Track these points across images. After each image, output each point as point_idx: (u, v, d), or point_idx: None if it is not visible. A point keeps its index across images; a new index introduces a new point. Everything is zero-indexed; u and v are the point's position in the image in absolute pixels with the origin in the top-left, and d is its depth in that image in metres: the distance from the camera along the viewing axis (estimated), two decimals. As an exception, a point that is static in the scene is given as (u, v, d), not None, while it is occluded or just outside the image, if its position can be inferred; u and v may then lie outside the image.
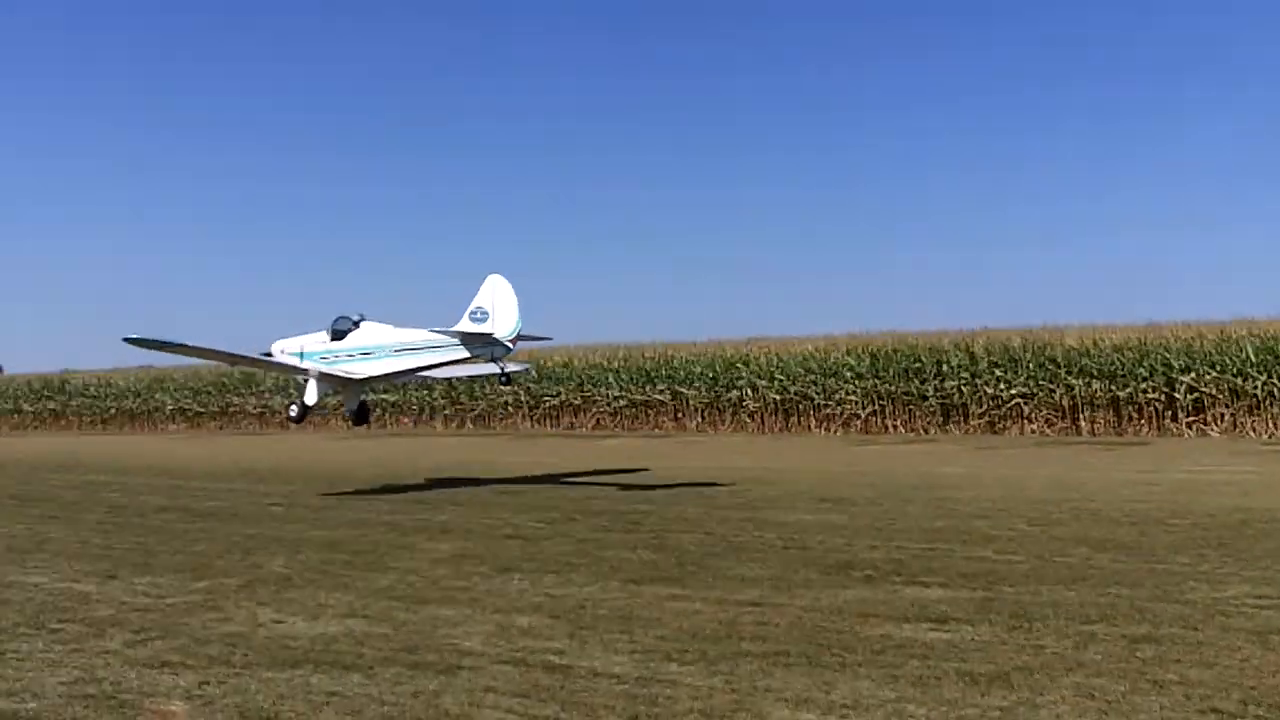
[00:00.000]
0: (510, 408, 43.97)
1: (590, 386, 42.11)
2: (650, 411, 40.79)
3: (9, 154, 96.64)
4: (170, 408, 53.71)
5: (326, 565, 12.57)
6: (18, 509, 18.94)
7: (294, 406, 23.31)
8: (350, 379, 22.82)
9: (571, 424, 42.43)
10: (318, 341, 22.80)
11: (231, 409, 51.71)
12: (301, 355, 22.73)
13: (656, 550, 13.07)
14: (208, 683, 7.78)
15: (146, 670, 8.15)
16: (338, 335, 22.64)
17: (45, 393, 59.83)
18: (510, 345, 21.09)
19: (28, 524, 16.80)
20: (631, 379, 41.26)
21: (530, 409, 43.47)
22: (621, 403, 41.23)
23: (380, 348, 22.57)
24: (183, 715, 7.14)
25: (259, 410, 50.40)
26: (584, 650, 8.48)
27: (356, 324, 22.71)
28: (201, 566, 12.60)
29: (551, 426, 42.65)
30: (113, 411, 56.12)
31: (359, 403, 24.22)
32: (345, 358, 22.58)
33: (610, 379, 41.73)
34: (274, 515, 17.30)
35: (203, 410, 52.65)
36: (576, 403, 42.41)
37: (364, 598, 10.67)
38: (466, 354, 21.69)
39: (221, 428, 50.88)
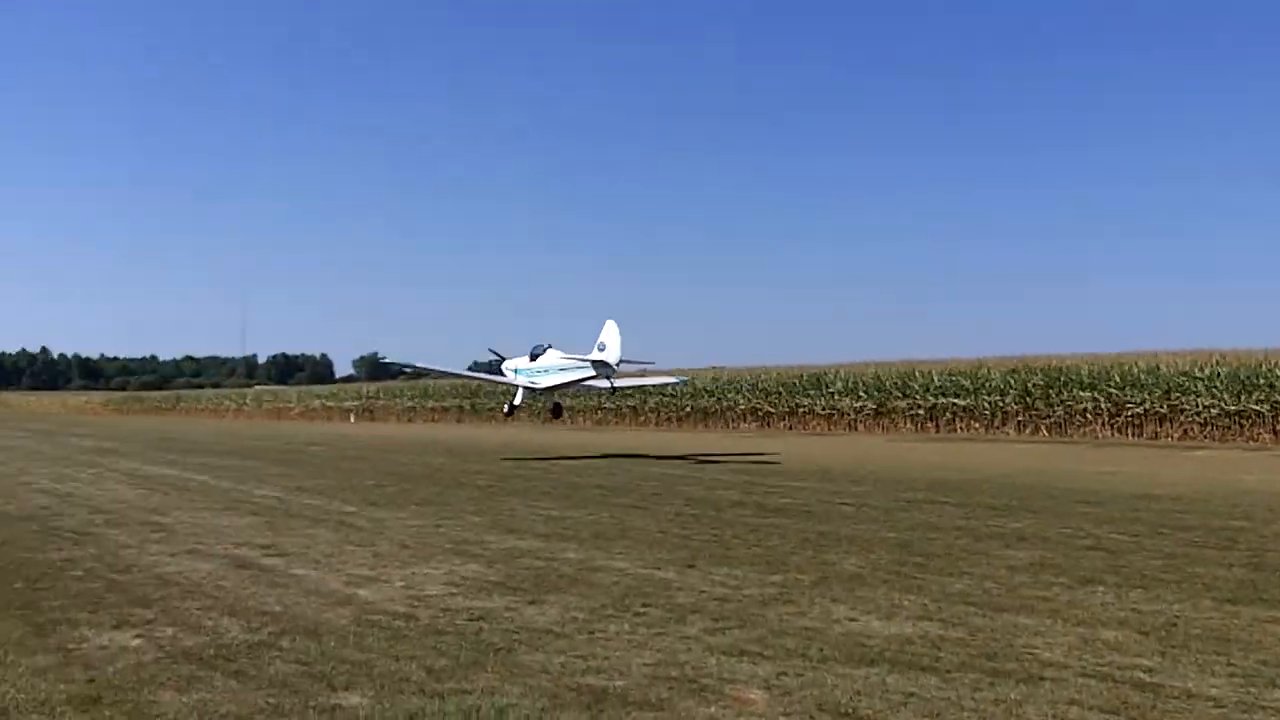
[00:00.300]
0: (1089, 415, 41.99)
1: (1178, 395, 39.45)
2: (1245, 423, 37.52)
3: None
4: (742, 407, 55.82)
5: (899, 566, 12.20)
6: (604, 498, 19.95)
7: (506, 406, 36.05)
8: (534, 388, 34.38)
9: (1155, 433, 39.86)
10: (522, 362, 34.48)
11: (800, 409, 53.03)
12: (516, 371, 34.59)
13: (1254, 569, 11.73)
14: (785, 674, 7.67)
15: (726, 657, 8.12)
16: (533, 357, 34.15)
17: (625, 390, 64.43)
18: (615, 367, 32.35)
19: (612, 512, 17.60)
20: (1225, 388, 38.19)
21: (1111, 416, 41.31)
22: (1213, 412, 38.20)
23: (551, 367, 33.82)
24: (761, 704, 7.04)
25: (827, 411, 51.37)
26: (1176, 669, 7.75)
27: (544, 349, 33.95)
28: (776, 561, 12.58)
29: (1133, 436, 40.27)
30: (688, 410, 59.03)
31: (554, 404, 36.55)
32: (536, 373, 34.09)
33: (1200, 387, 38.91)
34: (844, 514, 17.13)
35: (773, 410, 54.37)
36: (1162, 411, 39.85)
37: (937, 600, 10.23)
38: (594, 372, 32.74)
39: (790, 428, 52.33)
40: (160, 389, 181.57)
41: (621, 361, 32.20)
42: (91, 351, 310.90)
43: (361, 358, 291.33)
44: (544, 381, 33.95)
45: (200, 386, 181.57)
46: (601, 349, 32.28)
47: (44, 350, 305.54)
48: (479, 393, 75.62)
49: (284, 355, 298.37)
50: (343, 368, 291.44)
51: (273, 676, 7.52)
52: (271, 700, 6.95)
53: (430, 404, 79.84)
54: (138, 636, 8.72)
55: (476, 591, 10.79)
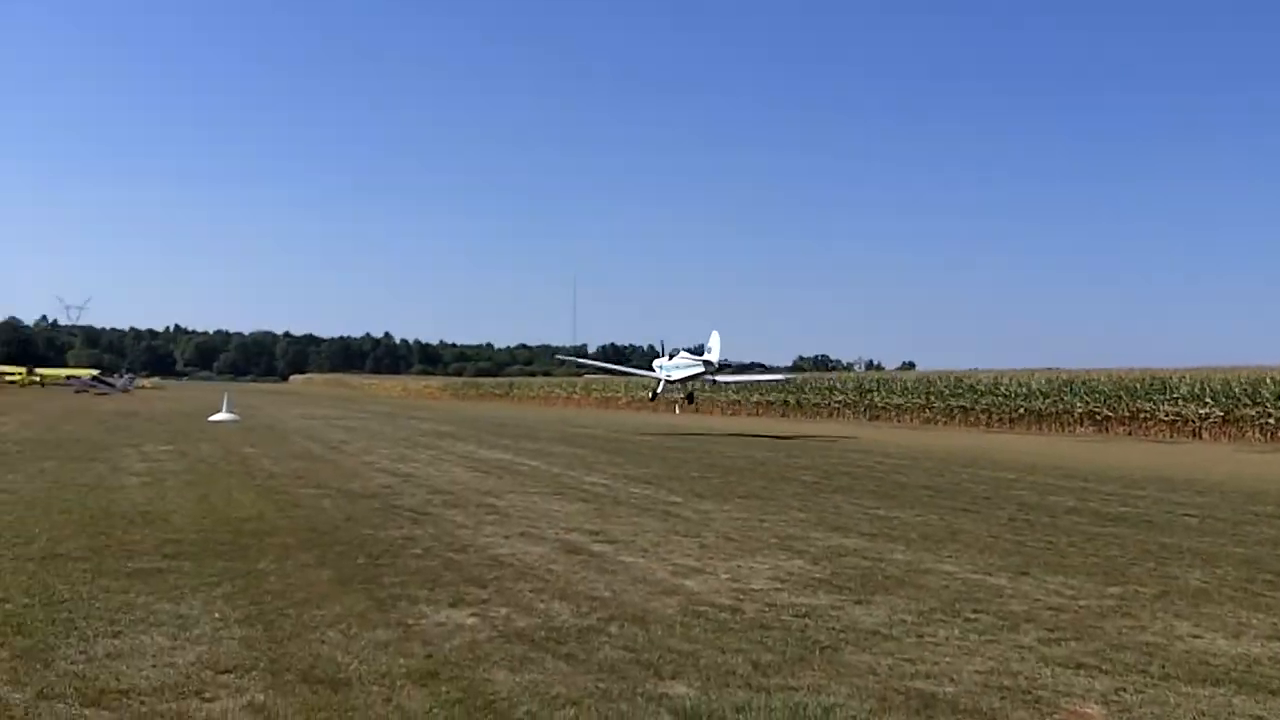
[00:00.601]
0: None
1: None
2: None
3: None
4: (1079, 410, 53.55)
5: (1246, 583, 11.43)
6: (931, 500, 19.52)
7: (650, 393, 53.02)
8: (669, 380, 48.07)
9: None
10: (665, 361, 48.17)
11: (1141, 415, 50.47)
12: (660, 368, 48.38)
13: None
14: (1124, 690, 7.30)
15: (1061, 669, 7.79)
16: (670, 356, 48.08)
17: (955, 390, 63.13)
18: (717, 366, 46.42)
19: (940, 515, 17.19)
20: None
21: None
22: None
23: (681, 365, 47.34)
24: (1099, 719, 6.68)
25: (1169, 417, 48.73)
26: None
27: (678, 352, 47.99)
28: (1114, 572, 11.99)
29: None
30: (1021, 412, 57.20)
31: (688, 393, 51.15)
32: (671, 369, 47.69)
33: None
34: (1188, 526, 16.18)
35: (1111, 414, 51.89)
36: None
37: (1290, 621, 9.50)
38: (703, 369, 46.44)
39: (1130, 433, 49.90)
40: (494, 375, 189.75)
41: (724, 363, 47.63)
42: (431, 338, 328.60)
43: (688, 350, 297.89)
44: (675, 375, 48.03)
45: (532, 374, 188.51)
46: (706, 352, 46.77)
47: (387, 336, 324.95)
48: (804, 388, 75.75)
49: (613, 345, 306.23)
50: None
51: (601, 661, 7.64)
52: (601, 685, 7.07)
53: (755, 398, 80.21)
54: (473, 615, 9.02)
55: (802, 588, 10.71)
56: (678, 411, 67.05)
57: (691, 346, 48.14)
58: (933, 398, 64.74)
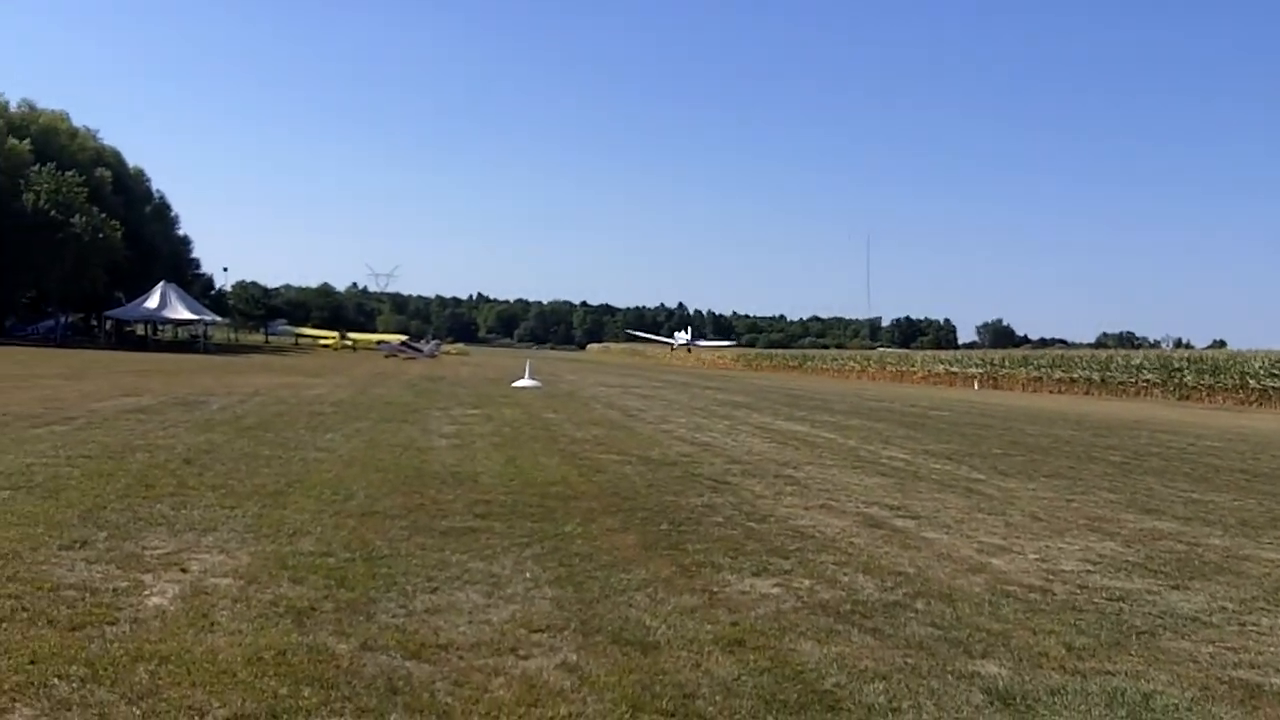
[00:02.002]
0: None
1: None
2: None
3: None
4: None
5: None
6: (1248, 485, 18.58)
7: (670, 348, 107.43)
8: (677, 346, 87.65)
9: None
10: (680, 334, 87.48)
11: None
12: (675, 338, 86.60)
13: None
14: None
15: None
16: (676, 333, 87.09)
17: (1273, 370, 59.62)
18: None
19: (1259, 500, 16.36)
20: None
21: None
22: None
23: (680, 337, 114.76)
24: None
25: None
26: None
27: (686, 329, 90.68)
28: None
29: None
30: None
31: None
32: (682, 339, 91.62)
33: None
34: None
35: None
36: None
37: None
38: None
39: None
40: (786, 348, 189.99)
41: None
42: (724, 309, 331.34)
43: (985, 324, 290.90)
44: (678, 343, 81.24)
45: (824, 347, 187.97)
46: (688, 332, 79.57)
47: (680, 306, 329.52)
48: (1109, 365, 72.85)
49: (907, 319, 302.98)
50: (965, 334, 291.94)
51: (909, 637, 7.55)
52: (909, 660, 6.99)
53: (1058, 374, 77.87)
54: (776, 585, 9.03)
55: (1115, 571, 10.32)
56: (976, 387, 66.95)
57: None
58: (1248, 377, 61.14)
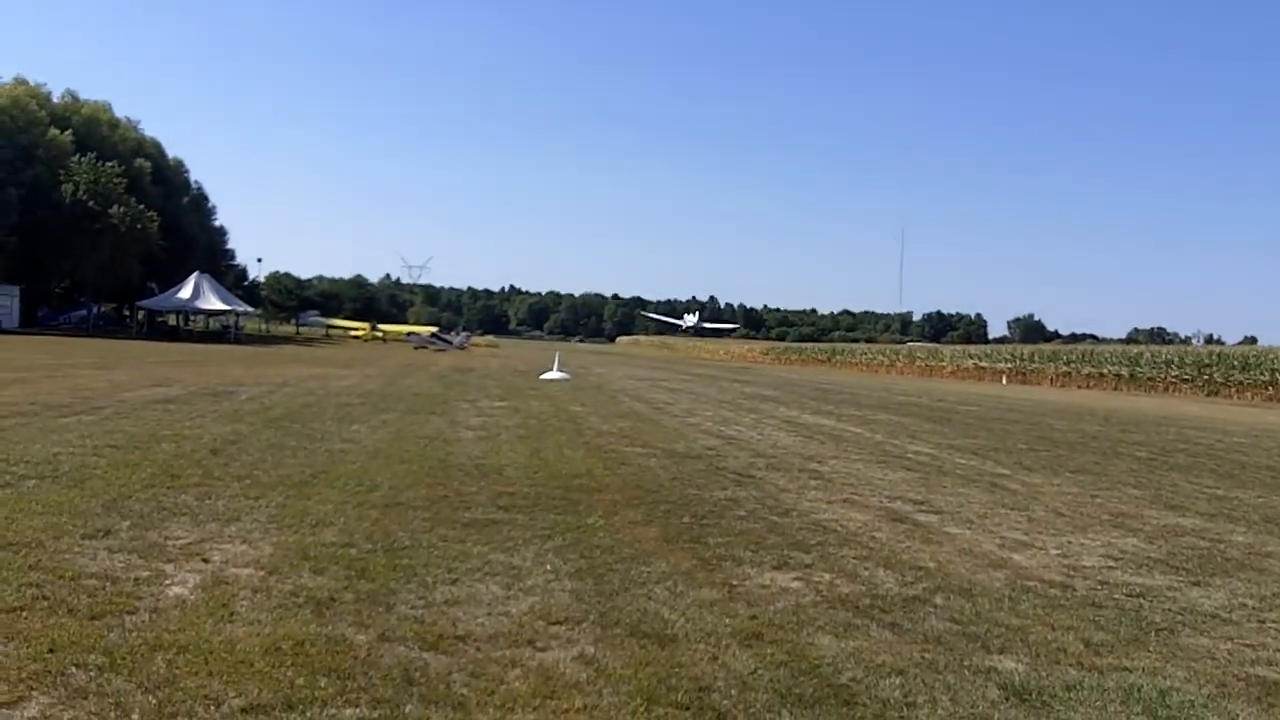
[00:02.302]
0: None
1: None
2: None
3: None
4: None
5: None
6: (1274, 481, 18.53)
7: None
8: (686, 328, 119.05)
9: None
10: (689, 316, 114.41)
11: None
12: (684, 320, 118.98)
13: None
14: None
15: None
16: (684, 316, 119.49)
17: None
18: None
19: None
20: None
21: None
22: None
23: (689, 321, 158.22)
24: None
25: None
26: None
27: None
28: None
29: None
30: None
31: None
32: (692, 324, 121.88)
33: None
34: None
35: None
36: None
37: None
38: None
39: None
40: (816, 341, 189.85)
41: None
42: (755, 302, 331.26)
43: (1017, 319, 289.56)
44: (686, 324, 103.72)
45: (854, 341, 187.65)
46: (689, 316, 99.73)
47: (711, 299, 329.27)
48: (1139, 361, 72.41)
49: (938, 313, 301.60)
50: (996, 328, 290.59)
51: (927, 632, 7.55)
52: (927, 655, 6.99)
53: (1086, 370, 77.52)
54: (796, 579, 9.03)
55: (1136, 567, 10.29)
56: (1004, 382, 66.49)
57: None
58: (1278, 374, 60.72)
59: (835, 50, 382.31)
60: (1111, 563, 10.45)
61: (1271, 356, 64.39)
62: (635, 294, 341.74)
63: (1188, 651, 7.42)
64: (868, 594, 8.63)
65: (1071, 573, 9.87)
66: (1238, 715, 6.28)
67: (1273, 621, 8.41)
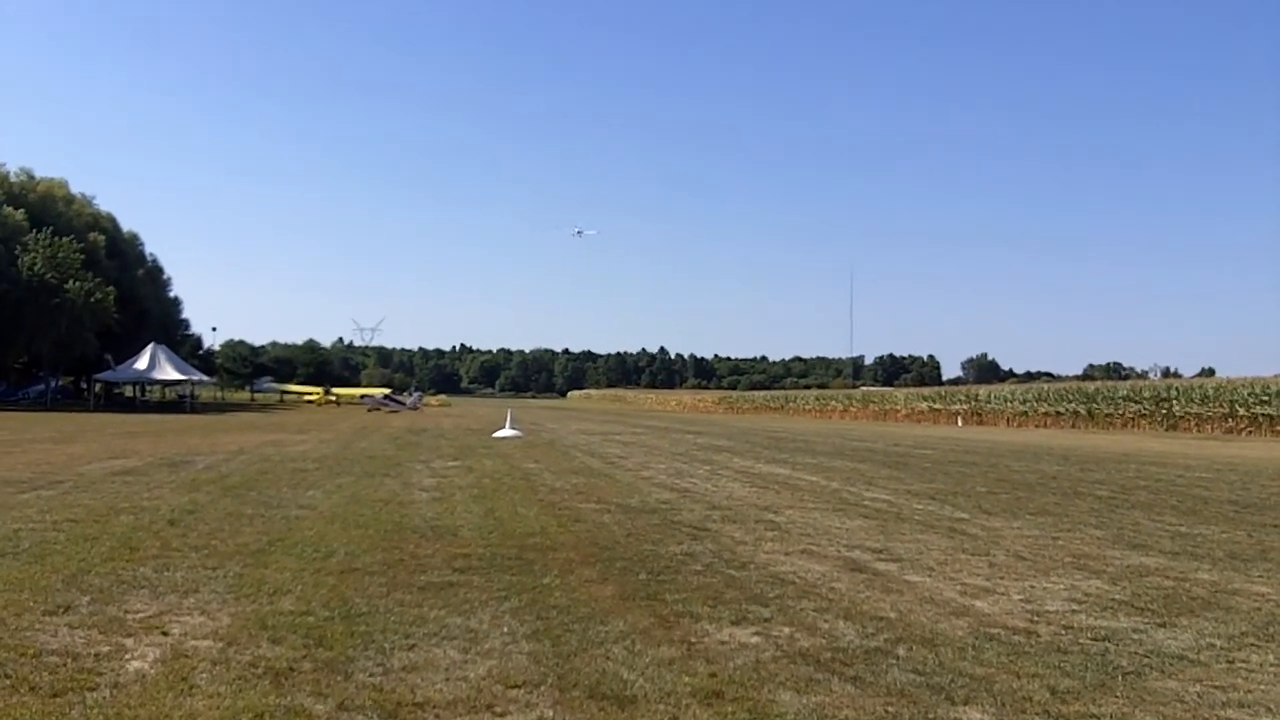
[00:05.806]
0: None
1: None
2: None
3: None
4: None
5: None
6: (1237, 516, 18.47)
7: None
8: None
9: None
10: None
11: None
12: None
13: None
14: None
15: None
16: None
17: (1262, 398, 59.89)
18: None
19: (1249, 532, 16.25)
20: None
21: None
22: None
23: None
24: None
25: None
26: None
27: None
28: None
29: None
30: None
31: None
32: None
33: None
34: None
35: None
36: None
37: None
38: None
39: None
40: (768, 389, 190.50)
41: None
42: (706, 352, 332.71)
43: (970, 359, 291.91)
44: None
45: (807, 387, 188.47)
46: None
47: (662, 350, 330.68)
48: (1096, 398, 72.95)
49: (890, 356, 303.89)
50: (950, 369, 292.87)
51: (890, 685, 7.38)
52: (890, 709, 6.83)
53: (1043, 409, 77.90)
54: (756, 634, 8.87)
55: (1101, 610, 10.17)
56: (959, 424, 66.34)
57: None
58: (1237, 406, 61.29)
59: (777, 92, 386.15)
60: (1075, 606, 10.33)
61: (1230, 388, 64.99)
62: (585, 348, 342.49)
63: (1156, 695, 7.30)
64: (828, 647, 8.46)
65: (1035, 618, 9.74)
66: (1209, 760, 6.16)
67: (1242, 661, 8.30)
